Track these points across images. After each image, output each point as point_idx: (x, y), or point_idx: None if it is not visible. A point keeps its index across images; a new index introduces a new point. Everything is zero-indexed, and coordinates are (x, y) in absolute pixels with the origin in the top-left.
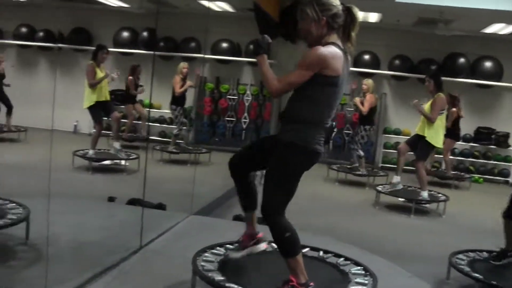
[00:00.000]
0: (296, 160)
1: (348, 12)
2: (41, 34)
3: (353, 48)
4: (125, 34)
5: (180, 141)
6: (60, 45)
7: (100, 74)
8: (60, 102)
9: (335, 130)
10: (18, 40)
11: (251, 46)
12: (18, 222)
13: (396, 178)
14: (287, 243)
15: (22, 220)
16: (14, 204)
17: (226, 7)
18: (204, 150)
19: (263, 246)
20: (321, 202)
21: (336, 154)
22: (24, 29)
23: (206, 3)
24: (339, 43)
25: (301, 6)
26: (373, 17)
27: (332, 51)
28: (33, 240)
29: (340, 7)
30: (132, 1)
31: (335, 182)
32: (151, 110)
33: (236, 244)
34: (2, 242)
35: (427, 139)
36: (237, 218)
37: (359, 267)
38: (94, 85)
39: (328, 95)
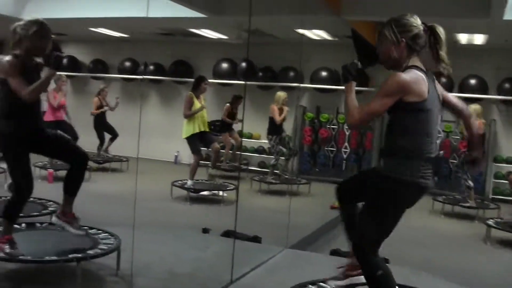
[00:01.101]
0: (396, 195)
1: (431, 32)
2: (144, 67)
3: (450, 68)
4: (224, 65)
5: (282, 172)
6: (143, 76)
7: (197, 105)
8: (161, 133)
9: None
10: (122, 73)
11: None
12: (109, 252)
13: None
14: (379, 282)
15: (113, 250)
16: (106, 234)
17: (324, 35)
18: (304, 181)
19: None
20: (425, 236)
21: (441, 184)
22: (127, 63)
23: (304, 32)
24: (421, 65)
25: (380, 28)
26: (478, 38)
27: (413, 75)
28: (124, 271)
29: (421, 27)
30: (230, 33)
31: (440, 214)
32: (251, 140)
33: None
34: (93, 272)
35: None
36: (334, 252)
37: None
38: (188, 116)
39: (419, 122)
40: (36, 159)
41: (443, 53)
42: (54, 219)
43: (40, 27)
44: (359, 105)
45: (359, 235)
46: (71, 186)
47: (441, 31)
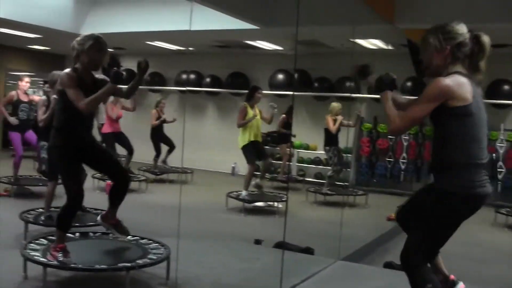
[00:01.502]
0: (451, 209)
1: (476, 41)
2: (207, 80)
3: (481, 78)
4: (280, 76)
5: (341, 183)
6: (200, 88)
7: (251, 113)
8: (219, 145)
9: (503, 169)
10: (179, 86)
11: (408, 83)
12: (159, 262)
13: None
14: None
15: (162, 260)
16: (156, 244)
17: (380, 44)
18: (361, 192)
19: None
20: (487, 250)
21: (505, 196)
22: (184, 76)
23: (359, 42)
24: (465, 71)
25: (425, 35)
26: None
27: (455, 79)
28: (173, 280)
29: (467, 35)
30: (285, 44)
31: (504, 227)
32: (307, 151)
33: None
34: (143, 281)
35: None
36: (388, 265)
37: None
38: (241, 125)
39: (467, 126)
40: (94, 171)
41: (482, 63)
42: (98, 218)
43: (96, 41)
44: (400, 112)
45: (409, 248)
46: (115, 199)
47: (486, 41)
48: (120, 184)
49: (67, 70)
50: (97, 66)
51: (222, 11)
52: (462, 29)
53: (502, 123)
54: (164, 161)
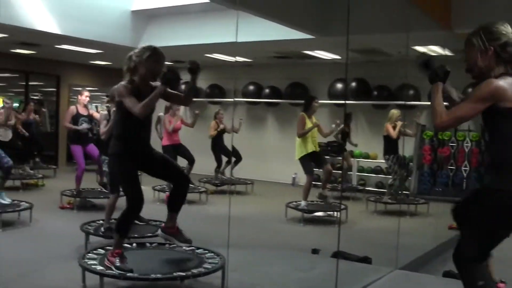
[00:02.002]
0: (500, 206)
1: None
2: (267, 91)
3: None
4: (338, 85)
5: (399, 192)
6: (259, 100)
7: (310, 124)
8: (279, 155)
9: None
10: (246, 97)
11: (469, 90)
12: (213, 271)
13: None
14: None
15: (217, 270)
16: (212, 254)
17: (439, 50)
18: (422, 201)
19: None
20: None
21: None
22: (251, 87)
23: (420, 49)
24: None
25: (468, 36)
26: None
27: (508, 81)
28: None
29: None
30: (343, 53)
31: None
32: (367, 160)
33: None
34: None
35: None
36: (448, 274)
37: None
38: (301, 135)
39: None
40: (154, 183)
41: None
42: (159, 232)
43: (153, 53)
44: (449, 109)
45: (464, 246)
46: (174, 204)
47: None
48: (180, 186)
49: (123, 82)
50: (155, 77)
51: (278, 21)
52: (506, 29)
53: None
54: (231, 173)
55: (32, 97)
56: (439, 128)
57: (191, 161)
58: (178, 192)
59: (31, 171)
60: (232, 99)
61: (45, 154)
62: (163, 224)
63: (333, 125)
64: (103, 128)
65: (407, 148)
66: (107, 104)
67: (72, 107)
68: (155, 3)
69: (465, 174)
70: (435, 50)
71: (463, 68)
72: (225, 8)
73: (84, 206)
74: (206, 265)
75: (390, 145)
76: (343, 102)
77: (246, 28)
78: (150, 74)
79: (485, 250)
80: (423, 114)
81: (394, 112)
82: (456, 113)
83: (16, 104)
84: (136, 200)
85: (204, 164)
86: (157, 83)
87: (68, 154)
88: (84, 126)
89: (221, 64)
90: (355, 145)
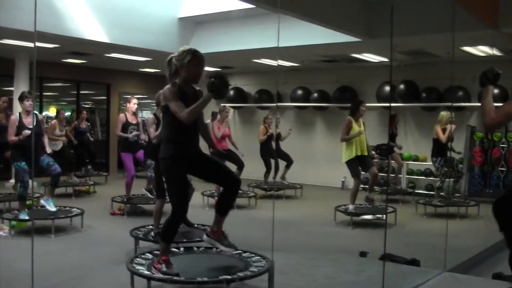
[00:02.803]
0: None
1: None
2: (315, 95)
3: None
4: (387, 88)
5: (449, 194)
6: (307, 104)
7: (356, 128)
8: (329, 159)
9: None
10: (294, 102)
11: None
12: (259, 274)
13: None
14: None
15: (263, 273)
16: (259, 257)
17: (489, 50)
18: (472, 203)
19: None
20: None
21: None
22: (299, 92)
23: (469, 49)
24: None
25: None
26: None
27: None
28: None
29: None
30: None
31: None
32: (417, 162)
33: None
34: None
35: None
36: (497, 276)
37: None
38: (343, 140)
39: None
40: (203, 188)
41: None
42: (204, 237)
43: (194, 55)
44: (497, 107)
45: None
46: (222, 207)
47: None
48: (230, 188)
49: (168, 85)
50: (196, 79)
51: (321, 24)
52: None
53: None
54: (283, 177)
55: (83, 105)
56: (489, 126)
57: (240, 166)
58: (228, 195)
59: (77, 180)
60: (282, 104)
61: (96, 162)
62: (209, 229)
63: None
64: (153, 132)
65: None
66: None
67: (122, 115)
68: (201, 10)
69: None
70: (483, 50)
71: None
72: (270, 13)
73: (134, 212)
74: (252, 269)
75: (439, 148)
76: (392, 104)
77: (291, 32)
78: (192, 77)
79: None
80: (473, 115)
81: (444, 114)
82: (504, 110)
83: (68, 113)
84: (180, 206)
85: (253, 169)
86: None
87: (119, 161)
88: (134, 133)
89: (269, 69)
90: (400, 148)
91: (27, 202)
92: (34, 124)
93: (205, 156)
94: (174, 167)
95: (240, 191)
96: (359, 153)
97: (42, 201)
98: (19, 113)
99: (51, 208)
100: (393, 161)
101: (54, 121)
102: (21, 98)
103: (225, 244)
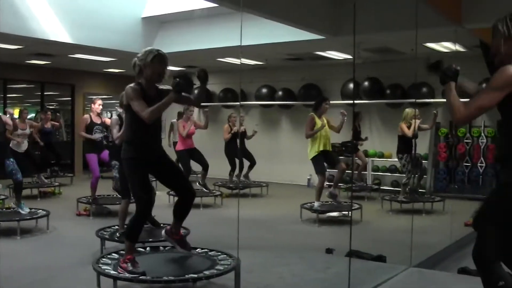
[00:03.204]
0: None
1: None
2: (280, 93)
3: None
4: (351, 85)
5: (414, 190)
6: (270, 102)
7: (319, 123)
8: (294, 157)
9: None
10: (259, 100)
11: (483, 85)
12: (225, 272)
13: None
14: None
15: (229, 271)
16: (225, 255)
17: (452, 47)
18: (438, 199)
19: None
20: None
21: None
22: (264, 90)
23: (433, 45)
24: None
25: (494, 22)
26: None
27: None
28: None
29: None
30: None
31: None
32: (382, 159)
33: None
34: None
35: None
36: (462, 271)
37: None
38: (309, 136)
39: None
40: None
41: None
42: (163, 233)
43: (157, 54)
44: (466, 102)
45: (482, 244)
46: (179, 214)
47: None
48: (185, 199)
49: (131, 84)
50: (160, 78)
51: (284, 22)
52: None
53: None
54: (246, 176)
55: (48, 106)
56: (461, 121)
57: (205, 166)
58: (183, 204)
59: (45, 180)
60: (246, 102)
61: (62, 163)
62: (167, 227)
63: (341, 116)
64: (116, 133)
65: (422, 146)
66: (119, 110)
67: (86, 116)
68: (164, 9)
69: (481, 170)
70: (446, 46)
71: (478, 64)
72: (233, 11)
73: (100, 213)
74: (218, 267)
75: (404, 144)
76: (356, 102)
77: (254, 30)
78: (156, 76)
79: (506, 247)
80: (438, 111)
81: (409, 111)
82: (474, 103)
83: (32, 115)
84: (144, 205)
85: (219, 168)
86: (166, 87)
87: (84, 162)
88: (97, 135)
89: (234, 68)
90: (365, 139)
91: None
92: None
93: (168, 160)
94: (135, 168)
95: (207, 191)
96: (322, 148)
97: (13, 205)
98: None
99: (24, 211)
100: (357, 159)
101: (16, 120)
102: None
103: (182, 246)
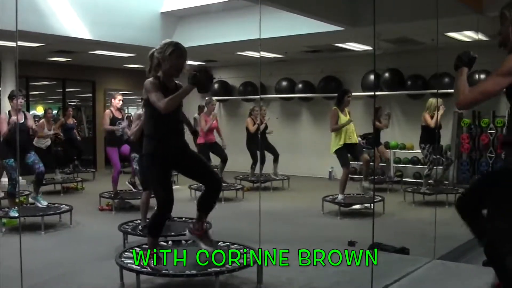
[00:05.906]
0: None
1: None
2: (300, 86)
3: None
4: (372, 77)
5: (437, 181)
6: (291, 95)
7: (343, 118)
8: (315, 150)
9: None
10: (279, 93)
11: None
12: (247, 266)
13: None
14: None
15: (251, 264)
16: (247, 249)
17: (473, 35)
18: (461, 190)
19: None
20: None
21: None
22: (284, 83)
23: (454, 35)
24: None
25: (501, 9)
26: None
27: None
28: (266, 285)
29: None
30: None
31: None
32: (404, 151)
33: None
34: (234, 285)
35: None
36: (488, 263)
37: None
38: (334, 130)
39: None
40: (190, 182)
41: None
42: (186, 232)
43: (176, 48)
44: (472, 86)
45: (492, 236)
46: (204, 206)
47: None
48: (211, 190)
49: (150, 78)
50: (178, 72)
51: (303, 14)
52: None
53: None
54: (275, 174)
55: (69, 103)
56: (463, 104)
57: (223, 159)
58: (209, 194)
59: (60, 178)
60: (266, 96)
61: (84, 158)
62: (191, 225)
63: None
64: (133, 128)
65: (445, 137)
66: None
67: (108, 111)
68: (182, 4)
69: None
70: (468, 35)
71: (502, 52)
72: (251, 4)
73: (122, 207)
74: (241, 260)
75: (427, 135)
76: (377, 93)
77: (273, 23)
78: (174, 70)
79: None
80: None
81: (433, 101)
82: (479, 88)
83: (55, 111)
84: (166, 202)
85: (240, 161)
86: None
87: (106, 157)
88: (123, 125)
89: (253, 61)
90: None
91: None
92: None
93: (191, 152)
94: (155, 164)
95: (226, 184)
96: (347, 141)
97: (31, 199)
98: (8, 111)
99: (41, 204)
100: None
101: (42, 120)
102: (11, 97)
103: (206, 243)
